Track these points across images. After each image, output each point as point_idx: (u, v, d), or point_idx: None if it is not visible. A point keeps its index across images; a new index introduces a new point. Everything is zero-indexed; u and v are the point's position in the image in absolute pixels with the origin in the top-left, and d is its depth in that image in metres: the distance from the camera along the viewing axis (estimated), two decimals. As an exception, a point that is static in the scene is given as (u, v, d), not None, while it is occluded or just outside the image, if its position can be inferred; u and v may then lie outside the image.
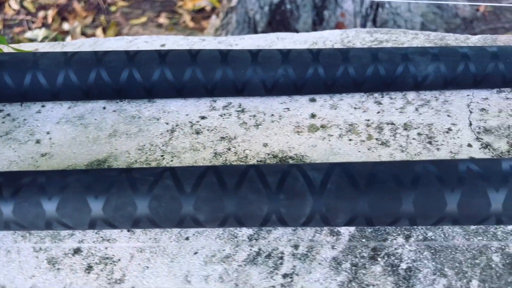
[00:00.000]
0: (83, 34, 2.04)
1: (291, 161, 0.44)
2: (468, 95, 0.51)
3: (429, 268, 0.36)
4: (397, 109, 0.50)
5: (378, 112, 0.49)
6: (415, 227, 0.39)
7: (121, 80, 0.46)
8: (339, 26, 1.60)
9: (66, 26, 2.07)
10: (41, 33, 2.03)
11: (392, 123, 0.48)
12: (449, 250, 0.37)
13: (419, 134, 0.47)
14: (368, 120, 0.49)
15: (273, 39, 0.62)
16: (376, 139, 0.46)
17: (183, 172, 0.34)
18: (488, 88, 0.51)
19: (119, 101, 0.51)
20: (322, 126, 0.48)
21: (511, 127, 0.47)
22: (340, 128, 0.48)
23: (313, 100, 0.51)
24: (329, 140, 0.46)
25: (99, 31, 2.03)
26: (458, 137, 0.46)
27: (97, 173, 0.34)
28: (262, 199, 0.33)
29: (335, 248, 0.37)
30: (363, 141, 0.46)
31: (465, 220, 0.34)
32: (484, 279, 0.35)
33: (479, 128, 0.47)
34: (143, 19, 2.08)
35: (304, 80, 0.48)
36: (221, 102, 0.51)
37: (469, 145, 0.45)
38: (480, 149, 0.45)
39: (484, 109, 0.50)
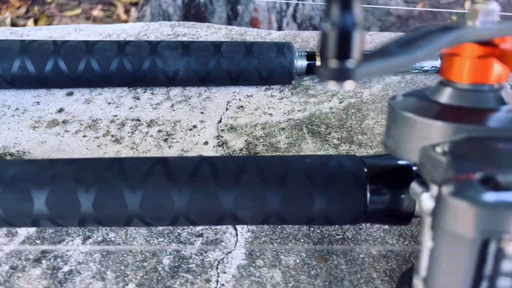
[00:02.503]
0: (13, 24, 1.98)
1: (9, 158, 0.42)
2: (234, 92, 0.50)
3: (91, 271, 0.34)
4: (152, 105, 0.48)
5: (131, 108, 0.48)
6: (100, 228, 0.37)
7: None
8: (253, 21, 1.58)
9: (-4, 16, 2.00)
10: (-32, 22, 1.96)
11: (138, 119, 0.46)
12: (123, 252, 0.35)
13: (159, 131, 0.45)
14: (116, 116, 0.47)
15: (69, 30, 0.60)
16: (112, 135, 0.45)
17: None
18: (247, 85, 0.50)
19: None
20: (64, 122, 0.46)
21: (258, 125, 0.46)
22: (81, 124, 0.46)
23: (70, 94, 0.49)
24: (62, 136, 0.44)
25: (30, 22, 1.97)
26: (199, 135, 0.45)
27: None
28: None
29: (2, 250, 0.35)
30: (97, 138, 0.44)
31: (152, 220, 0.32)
32: (143, 283, 0.33)
33: (226, 125, 0.46)
34: (77, 11, 2.03)
35: (45, 73, 0.46)
36: (-31, 95, 0.48)
37: (205, 143, 0.44)
38: (214, 147, 0.44)
39: (241, 107, 0.48)
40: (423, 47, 0.20)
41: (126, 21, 1.97)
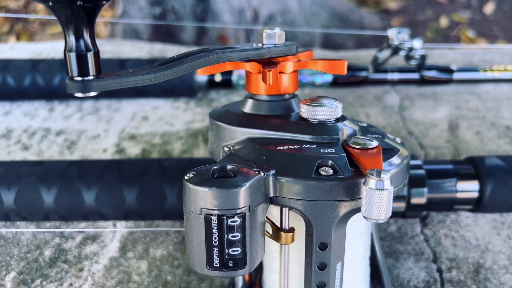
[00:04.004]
0: (-4, 41, 2.04)
1: None
2: (143, 105, 0.55)
3: (-22, 262, 0.38)
4: (64, 116, 0.53)
5: (45, 119, 0.52)
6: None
7: None
8: (222, 37, 1.64)
9: (-21, 33, 2.06)
10: (-50, 39, 2.02)
11: (48, 129, 0.51)
12: (11, 245, 0.40)
13: (65, 140, 0.50)
14: (29, 126, 0.51)
15: (5, 49, 0.65)
16: (23, 143, 0.49)
17: None
18: (153, 98, 0.55)
19: None
20: (-20, 132, 0.51)
21: (157, 134, 0.51)
22: (-4, 134, 0.50)
23: (-8, 107, 0.54)
24: (-23, 145, 0.49)
25: (13, 39, 2.03)
26: (101, 142, 0.50)
27: None
28: None
29: None
30: (9, 146, 0.49)
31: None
32: (23, 271, 0.38)
33: (128, 134, 0.51)
34: (59, 29, 2.08)
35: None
36: None
37: (105, 150, 0.49)
38: (112, 153, 0.48)
39: (146, 117, 0.53)
40: (176, 66, 0.25)
41: (103, 37, 2.03)
